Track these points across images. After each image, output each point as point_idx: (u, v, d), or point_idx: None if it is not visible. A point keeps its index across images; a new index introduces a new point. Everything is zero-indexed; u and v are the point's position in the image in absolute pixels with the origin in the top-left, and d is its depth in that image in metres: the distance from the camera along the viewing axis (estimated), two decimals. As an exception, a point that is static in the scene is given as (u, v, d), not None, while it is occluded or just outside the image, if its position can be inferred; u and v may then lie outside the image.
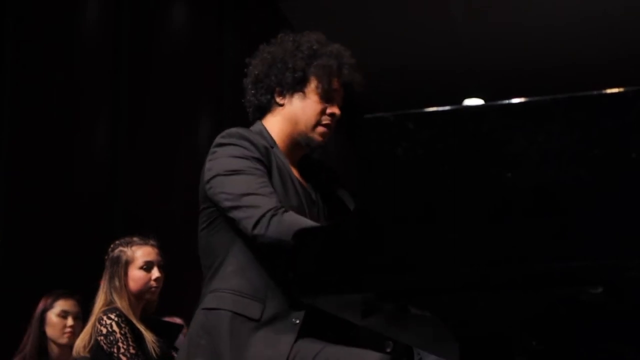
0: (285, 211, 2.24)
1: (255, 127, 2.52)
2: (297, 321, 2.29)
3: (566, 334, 1.67)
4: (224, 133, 2.44)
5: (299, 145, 2.52)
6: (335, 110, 2.50)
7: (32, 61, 5.68)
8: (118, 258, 3.84)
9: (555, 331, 1.66)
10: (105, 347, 3.64)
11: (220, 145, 2.42)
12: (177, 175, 6.56)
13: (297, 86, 2.48)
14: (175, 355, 3.87)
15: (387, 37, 8.92)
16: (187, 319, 4.95)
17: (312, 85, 2.48)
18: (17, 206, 5.47)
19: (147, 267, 3.86)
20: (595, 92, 1.48)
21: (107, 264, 3.87)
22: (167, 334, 3.94)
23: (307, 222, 2.23)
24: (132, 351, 3.64)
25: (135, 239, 3.94)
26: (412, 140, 1.54)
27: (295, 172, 2.50)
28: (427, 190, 1.53)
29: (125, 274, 3.82)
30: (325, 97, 2.48)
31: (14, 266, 5.28)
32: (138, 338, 3.71)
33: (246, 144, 2.38)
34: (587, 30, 8.58)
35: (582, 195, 1.44)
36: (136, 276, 3.83)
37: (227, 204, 2.32)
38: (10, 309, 4.92)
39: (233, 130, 2.44)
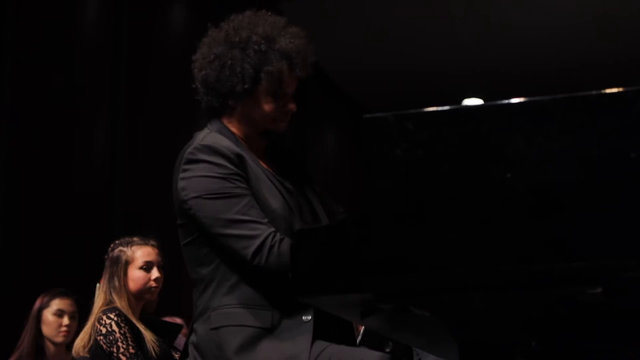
0: (282, 239, 2.19)
1: (213, 126, 2.43)
2: (309, 318, 2.24)
3: (566, 334, 1.67)
4: (191, 148, 2.34)
5: (261, 136, 2.45)
6: (290, 106, 2.42)
7: (32, 61, 5.68)
8: (118, 258, 3.84)
9: (555, 331, 1.66)
10: (104, 346, 3.64)
11: (192, 161, 2.32)
12: (177, 175, 6.54)
13: (248, 93, 2.38)
14: (175, 355, 3.87)
15: (387, 38, 8.92)
16: (187, 319, 4.97)
17: (264, 88, 2.38)
18: (16, 206, 5.47)
19: (147, 267, 3.86)
20: (595, 92, 1.47)
21: (107, 263, 3.87)
22: (166, 334, 3.93)
23: None
24: (131, 351, 3.64)
25: (135, 239, 3.94)
26: (412, 140, 1.53)
27: (264, 165, 2.43)
28: (427, 190, 1.53)
29: (125, 274, 3.81)
30: (279, 97, 2.40)
31: (13, 266, 5.29)
32: (137, 338, 3.70)
33: (220, 159, 2.29)
34: (588, 31, 8.58)
35: (582, 195, 1.44)
36: (136, 276, 3.83)
37: (216, 230, 2.25)
38: (10, 308, 4.93)
39: (199, 144, 2.33)
